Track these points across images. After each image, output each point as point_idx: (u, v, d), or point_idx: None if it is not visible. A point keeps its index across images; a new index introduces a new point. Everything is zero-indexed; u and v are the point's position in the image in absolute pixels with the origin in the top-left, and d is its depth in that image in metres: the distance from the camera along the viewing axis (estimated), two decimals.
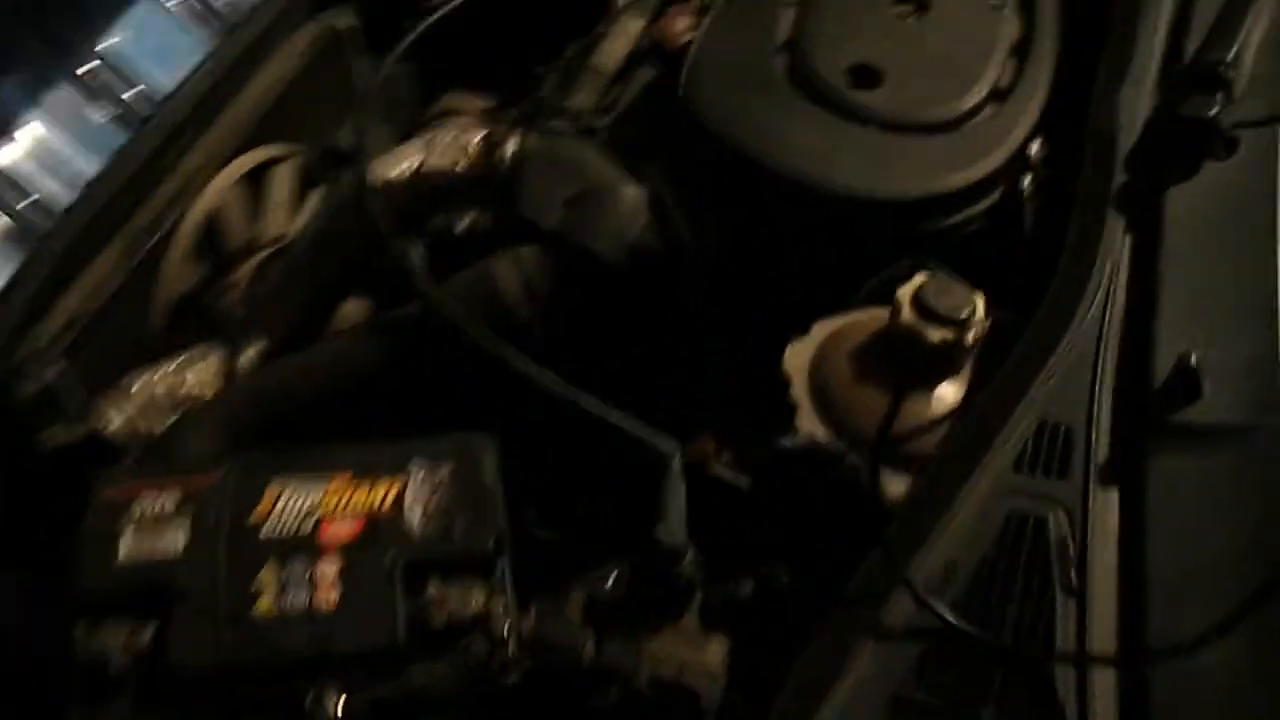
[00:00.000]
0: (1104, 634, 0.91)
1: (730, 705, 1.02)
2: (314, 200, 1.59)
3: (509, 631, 1.07)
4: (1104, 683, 0.89)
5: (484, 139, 1.36)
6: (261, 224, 1.52)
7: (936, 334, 1.08)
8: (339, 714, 1.04)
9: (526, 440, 1.20)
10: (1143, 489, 0.96)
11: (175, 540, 1.11)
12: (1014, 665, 0.91)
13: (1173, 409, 0.98)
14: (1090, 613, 0.92)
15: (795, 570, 1.06)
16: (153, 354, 1.40)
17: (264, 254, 1.50)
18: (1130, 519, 0.96)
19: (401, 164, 1.37)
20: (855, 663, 0.91)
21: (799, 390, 1.14)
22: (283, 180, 1.54)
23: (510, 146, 1.33)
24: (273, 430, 1.29)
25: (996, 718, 0.89)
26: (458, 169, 1.36)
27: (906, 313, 1.09)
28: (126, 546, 1.11)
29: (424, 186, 1.36)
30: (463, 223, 1.40)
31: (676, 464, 1.05)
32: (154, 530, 1.12)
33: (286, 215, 1.55)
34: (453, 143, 1.36)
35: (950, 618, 0.92)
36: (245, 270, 1.49)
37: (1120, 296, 1.07)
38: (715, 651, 1.02)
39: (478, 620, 1.08)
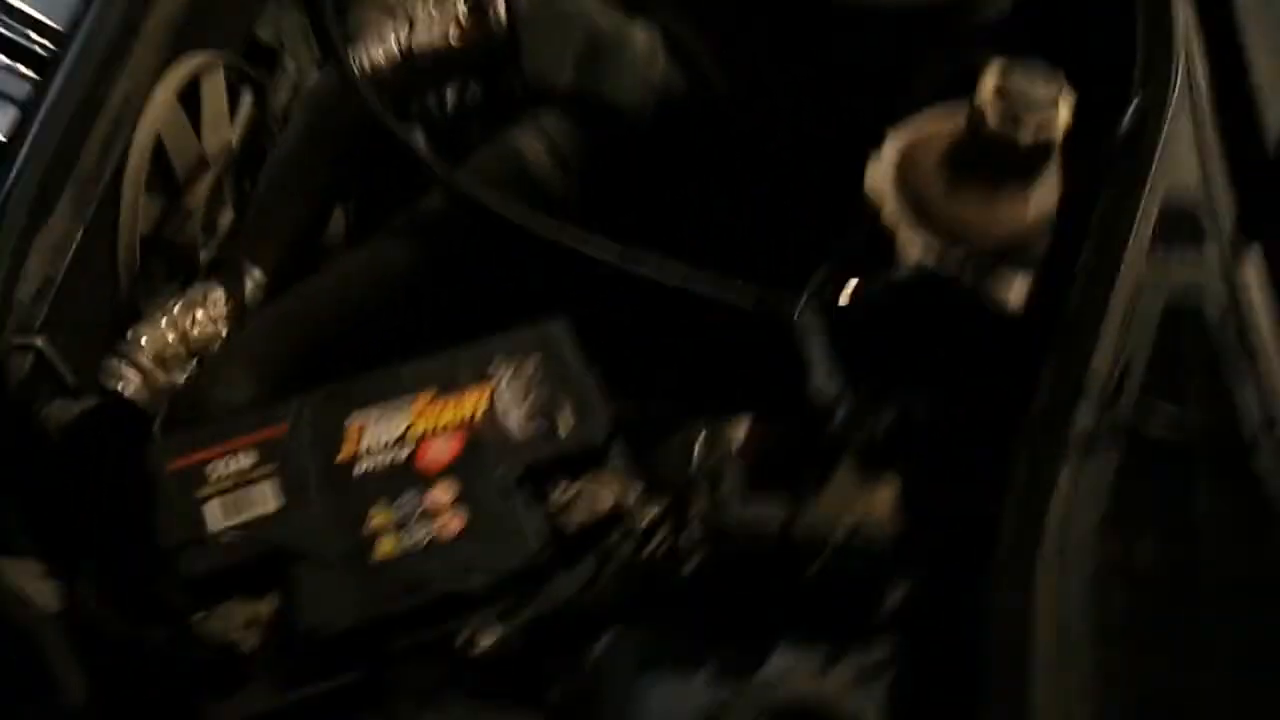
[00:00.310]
0: None
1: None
2: (246, 106, 1.44)
3: (654, 520, 1.01)
4: None
5: (471, 1, 1.23)
6: (205, 140, 1.37)
7: (1029, 133, 1.03)
8: (493, 648, 0.96)
9: (596, 322, 1.12)
10: None
11: (266, 499, 1.01)
12: (1214, 455, 0.89)
13: None
14: (1271, 385, 0.91)
15: (934, 398, 1.02)
16: (132, 306, 1.26)
17: (217, 170, 1.36)
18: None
19: (384, 43, 1.23)
20: (1060, 489, 0.88)
21: (892, 211, 1.08)
22: (216, 89, 1.39)
23: (500, 6, 1.21)
24: (308, 360, 1.17)
25: (1209, 515, 0.87)
26: (451, 41, 1.23)
27: (991, 114, 1.03)
28: (215, 517, 1.00)
29: (415, 65, 1.24)
30: (454, 97, 1.28)
31: (808, 318, 0.99)
32: (240, 494, 1.01)
33: (228, 126, 1.40)
34: (437, 12, 1.23)
35: (1137, 420, 0.89)
36: (201, 192, 1.35)
37: (1200, 64, 1.04)
38: (885, 498, 0.97)
39: (614, 516, 1.02)
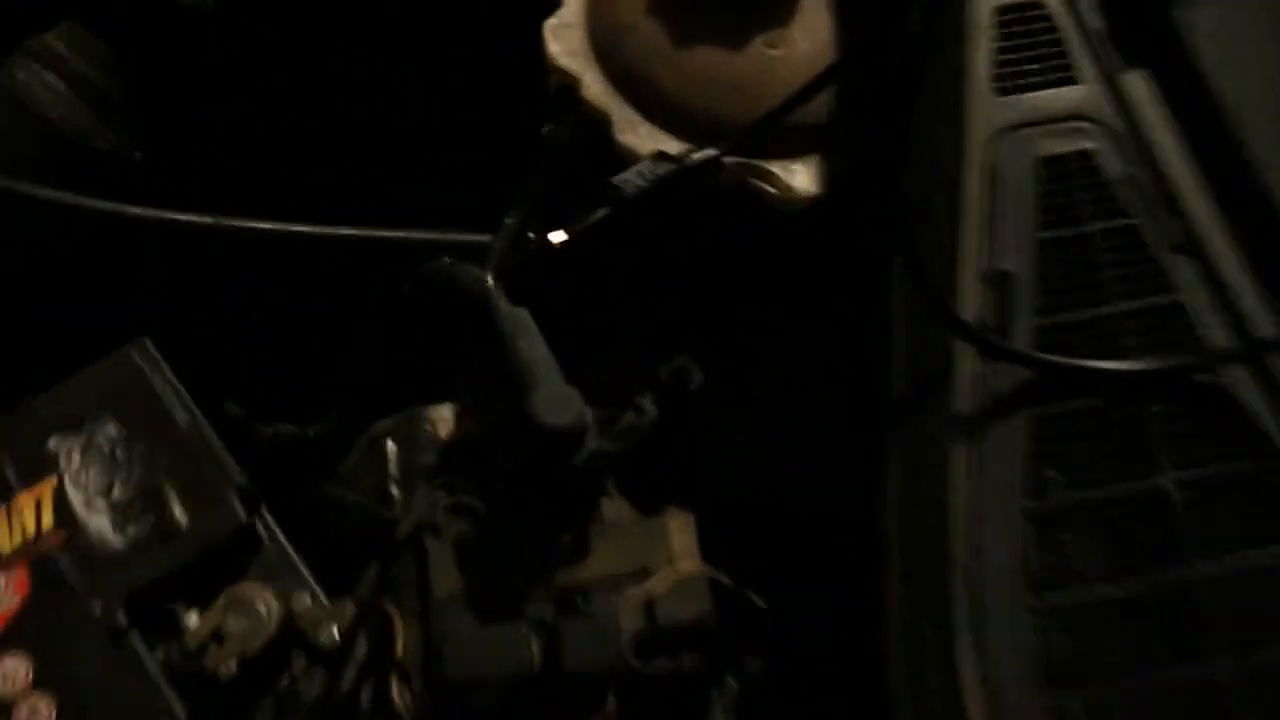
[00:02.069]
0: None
1: None
2: None
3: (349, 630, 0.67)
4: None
5: None
6: None
7: None
8: None
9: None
10: (1184, 53, 0.65)
11: None
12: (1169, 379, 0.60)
13: None
14: (1212, 265, 0.62)
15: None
16: None
17: None
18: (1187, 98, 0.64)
19: None
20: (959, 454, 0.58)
21: (595, 88, 0.74)
22: None
23: None
24: None
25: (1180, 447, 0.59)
26: None
27: None
28: None
29: None
30: None
31: (500, 301, 0.65)
32: None
33: None
34: None
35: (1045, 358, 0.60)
36: None
37: None
38: (681, 537, 0.65)
39: (283, 640, 0.67)
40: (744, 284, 0.74)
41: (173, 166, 0.84)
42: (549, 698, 0.59)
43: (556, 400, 0.61)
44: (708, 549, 0.65)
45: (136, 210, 0.76)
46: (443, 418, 0.82)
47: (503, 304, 0.66)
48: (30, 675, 0.65)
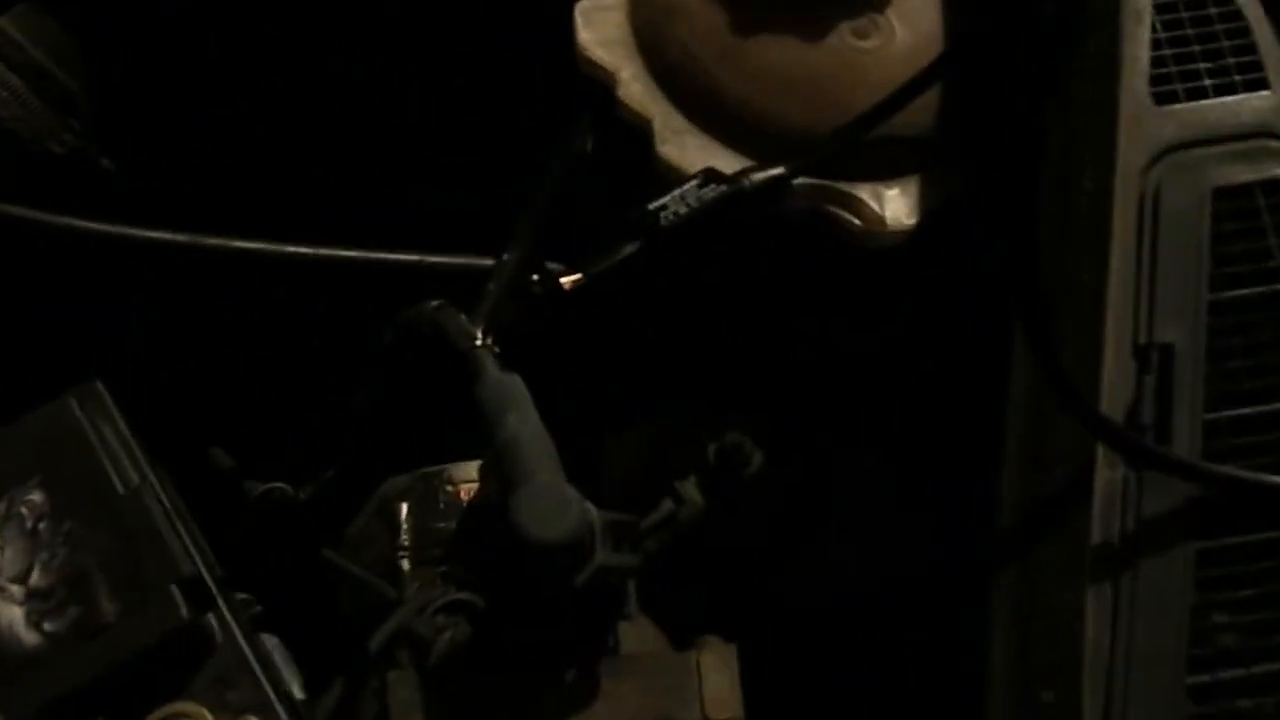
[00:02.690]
0: None
1: None
2: None
3: None
4: None
5: None
6: None
7: None
8: None
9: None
10: None
11: None
12: None
13: None
14: None
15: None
16: None
17: None
18: None
19: None
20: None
21: (634, 87, 0.62)
22: None
23: None
24: None
25: None
26: None
27: None
28: None
29: None
30: None
31: (490, 366, 0.52)
32: None
33: None
34: None
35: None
36: None
37: None
38: (718, 677, 0.51)
39: None
40: (810, 336, 0.61)
41: (150, 174, 0.73)
42: None
43: (547, 503, 0.48)
44: (754, 687, 0.51)
45: (100, 226, 0.67)
46: (467, 479, 0.71)
47: (490, 369, 0.54)
48: None
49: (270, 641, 0.59)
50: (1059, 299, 0.50)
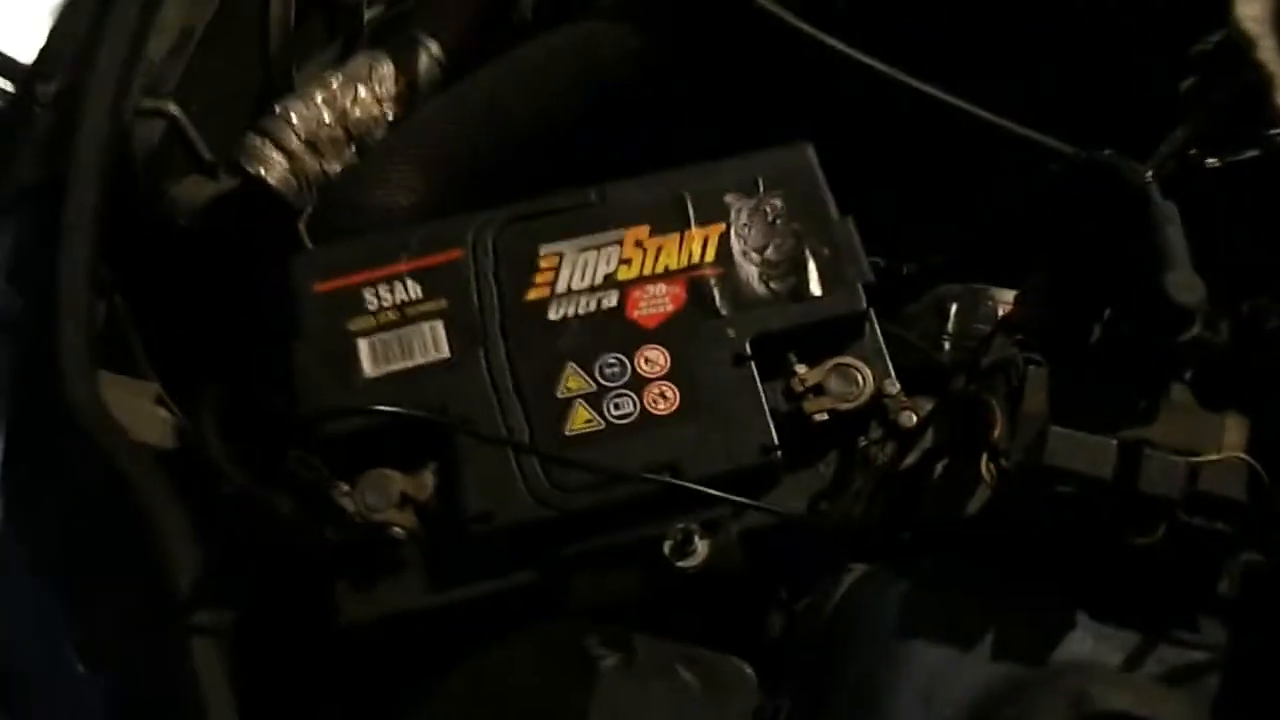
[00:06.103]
0: None
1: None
2: None
3: (922, 422, 0.77)
4: None
5: None
6: None
7: None
8: (707, 557, 0.75)
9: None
10: None
11: (432, 344, 0.80)
12: None
13: None
14: None
15: None
16: (284, 72, 1.04)
17: None
18: None
19: None
20: None
21: (1269, 54, 0.80)
22: None
23: None
24: (493, 166, 0.94)
25: None
26: None
27: None
28: (369, 361, 0.79)
29: None
30: None
31: (1156, 193, 0.73)
32: (401, 333, 0.80)
33: None
34: None
35: None
36: None
37: None
38: (1234, 438, 0.71)
39: (869, 410, 0.79)
40: None
41: None
42: (1116, 510, 0.67)
43: (1189, 282, 0.69)
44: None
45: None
46: (1005, 300, 0.93)
47: (1157, 195, 0.74)
48: (667, 365, 0.79)
49: None
50: None
